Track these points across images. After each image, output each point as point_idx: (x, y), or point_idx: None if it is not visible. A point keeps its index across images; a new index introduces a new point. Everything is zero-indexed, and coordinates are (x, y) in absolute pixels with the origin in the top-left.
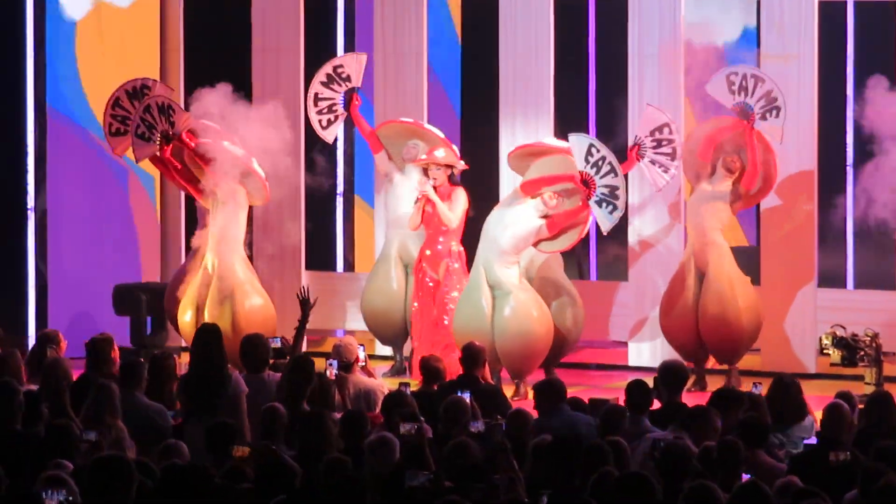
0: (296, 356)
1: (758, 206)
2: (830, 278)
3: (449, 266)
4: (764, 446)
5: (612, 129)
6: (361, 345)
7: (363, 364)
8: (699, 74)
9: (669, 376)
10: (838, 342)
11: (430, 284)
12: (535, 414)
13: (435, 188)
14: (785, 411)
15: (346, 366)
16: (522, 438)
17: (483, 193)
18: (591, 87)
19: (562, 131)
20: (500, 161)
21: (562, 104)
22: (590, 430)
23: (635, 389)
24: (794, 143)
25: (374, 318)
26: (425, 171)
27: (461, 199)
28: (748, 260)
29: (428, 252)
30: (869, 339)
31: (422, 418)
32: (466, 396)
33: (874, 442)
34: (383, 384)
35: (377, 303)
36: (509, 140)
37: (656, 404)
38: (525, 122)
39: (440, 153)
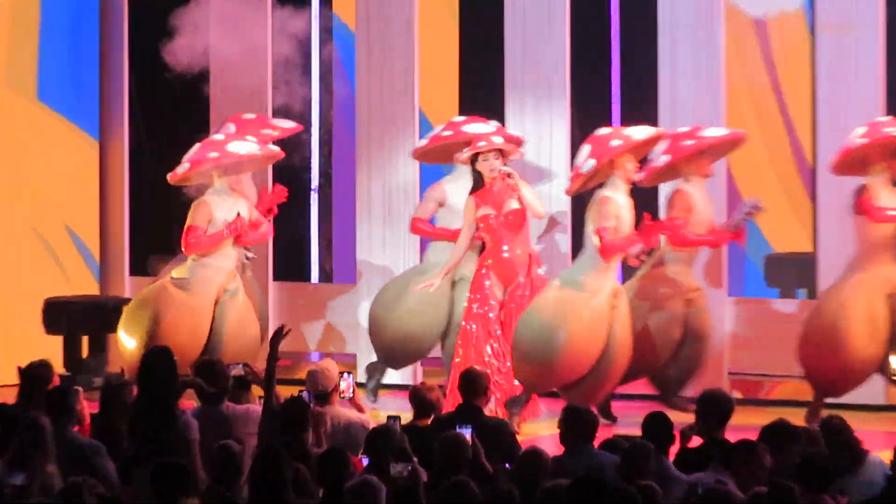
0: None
1: (814, 203)
2: None
3: (534, 274)
4: (829, 490)
5: (638, 116)
6: (348, 372)
7: (350, 395)
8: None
9: (711, 407)
10: None
11: (493, 303)
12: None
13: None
14: (836, 458)
15: (323, 396)
16: (538, 483)
17: None
18: (615, 68)
19: (580, 123)
20: None
21: (579, 86)
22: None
23: (654, 423)
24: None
25: (405, 342)
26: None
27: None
28: (802, 269)
29: (490, 260)
30: None
31: (415, 458)
32: (467, 432)
33: None
34: (370, 419)
35: (414, 325)
36: (518, 131)
37: (694, 441)
38: (537, 111)
39: (496, 139)
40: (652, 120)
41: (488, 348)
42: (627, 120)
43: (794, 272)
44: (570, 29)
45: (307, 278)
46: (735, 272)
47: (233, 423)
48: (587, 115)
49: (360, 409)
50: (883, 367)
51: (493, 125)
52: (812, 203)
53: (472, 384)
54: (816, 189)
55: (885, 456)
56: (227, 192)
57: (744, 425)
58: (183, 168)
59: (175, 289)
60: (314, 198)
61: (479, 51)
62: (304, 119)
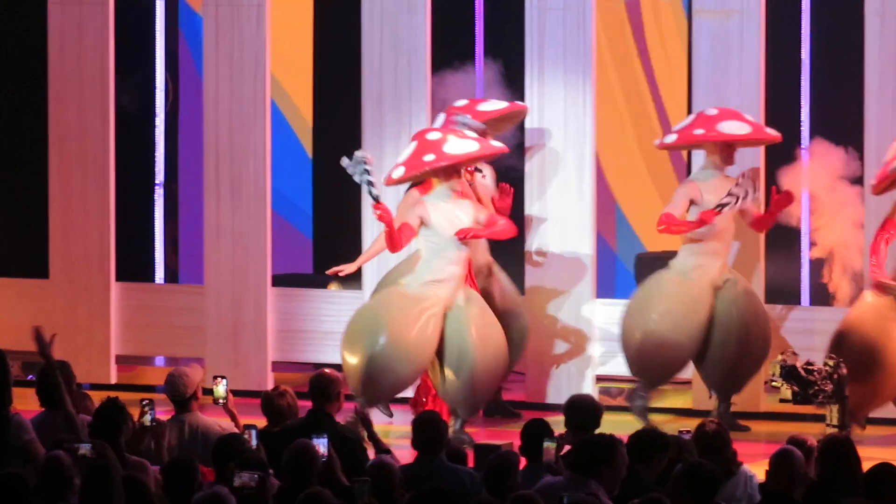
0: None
1: None
2: (782, 293)
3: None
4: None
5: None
6: (223, 377)
7: (224, 401)
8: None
9: (577, 414)
10: (787, 374)
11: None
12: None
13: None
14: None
15: (181, 402)
16: (391, 496)
17: None
18: (479, 54)
19: (443, 107)
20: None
21: (442, 70)
22: (473, 485)
23: (533, 431)
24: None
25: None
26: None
27: None
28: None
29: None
30: (830, 368)
31: (270, 470)
32: (322, 442)
33: (829, 499)
34: (241, 426)
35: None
36: (374, 119)
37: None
38: (396, 97)
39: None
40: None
41: None
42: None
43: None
44: (432, 11)
45: (151, 278)
46: (605, 273)
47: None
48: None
49: (234, 417)
50: None
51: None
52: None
53: (324, 390)
54: None
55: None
56: (447, 195)
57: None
58: (398, 173)
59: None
60: (158, 194)
61: (334, 37)
62: (149, 109)
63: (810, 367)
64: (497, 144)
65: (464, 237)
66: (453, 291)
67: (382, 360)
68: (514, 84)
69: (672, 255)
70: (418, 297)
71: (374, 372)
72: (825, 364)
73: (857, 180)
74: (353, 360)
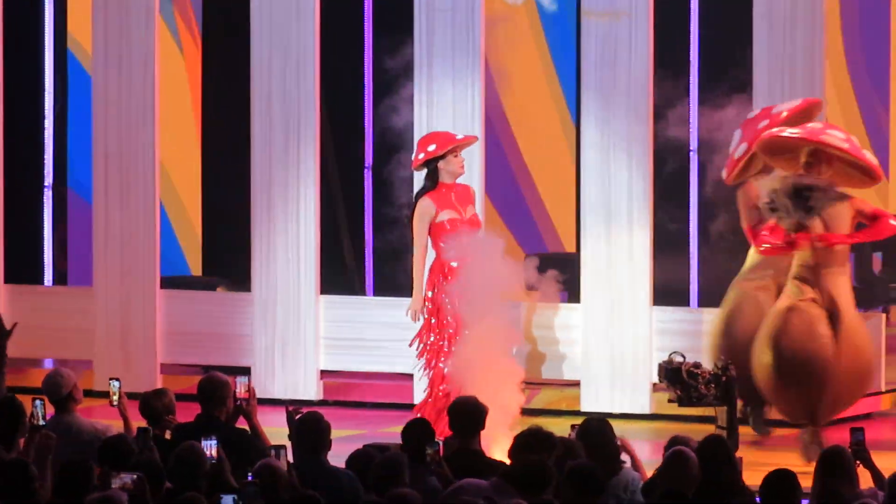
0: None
1: (577, 202)
2: (669, 294)
3: None
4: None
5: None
6: (117, 379)
7: (117, 403)
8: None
9: (461, 416)
10: (670, 376)
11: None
12: None
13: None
14: (598, 461)
15: (59, 402)
16: (278, 497)
17: None
18: (367, 47)
19: (330, 114)
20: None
21: (331, 72)
22: (352, 487)
23: (415, 431)
24: (624, 125)
25: None
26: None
27: None
28: (564, 270)
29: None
30: (718, 370)
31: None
32: (212, 444)
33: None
34: (132, 427)
35: None
36: (264, 125)
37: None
38: (285, 102)
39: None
40: (407, 112)
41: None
42: (382, 118)
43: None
44: (320, 15)
45: (40, 281)
46: None
47: None
48: (340, 101)
49: (126, 419)
50: None
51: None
52: (576, 202)
53: (213, 393)
54: (580, 188)
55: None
56: None
57: None
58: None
59: None
60: (47, 196)
61: (222, 37)
62: (38, 111)
63: (695, 371)
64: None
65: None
66: None
67: None
68: (403, 83)
69: (563, 256)
70: None
71: None
72: (715, 366)
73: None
74: None
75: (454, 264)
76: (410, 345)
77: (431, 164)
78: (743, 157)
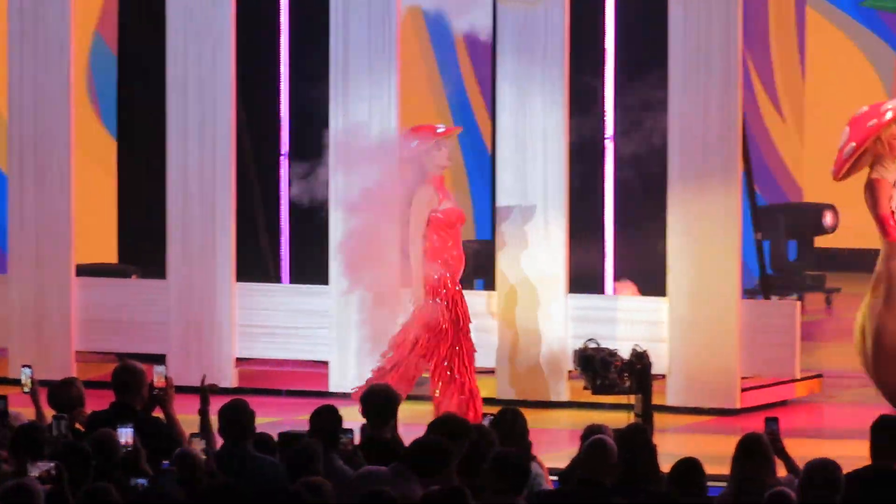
0: None
1: (493, 191)
2: (586, 282)
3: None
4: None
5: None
6: (28, 366)
7: (29, 390)
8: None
9: (372, 404)
10: (583, 363)
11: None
12: None
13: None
14: None
15: None
16: (196, 485)
17: None
18: (284, 34)
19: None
20: None
21: (245, 76)
22: (276, 474)
23: (322, 417)
24: (541, 113)
25: None
26: None
27: None
28: (480, 259)
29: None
30: (632, 359)
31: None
32: (126, 432)
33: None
34: (20, 415)
35: None
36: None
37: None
38: (200, 101)
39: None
40: (322, 104)
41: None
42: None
43: (472, 262)
44: (236, 2)
45: None
46: None
47: None
48: (256, 88)
49: (38, 406)
50: None
51: None
52: (492, 190)
53: (128, 382)
54: (496, 176)
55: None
56: None
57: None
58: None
59: None
60: None
61: (138, 23)
62: None
63: (609, 359)
64: None
65: None
66: None
67: None
68: (319, 81)
69: (480, 243)
70: None
71: None
72: (634, 351)
73: (662, 169)
74: None
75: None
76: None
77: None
78: (852, 156)
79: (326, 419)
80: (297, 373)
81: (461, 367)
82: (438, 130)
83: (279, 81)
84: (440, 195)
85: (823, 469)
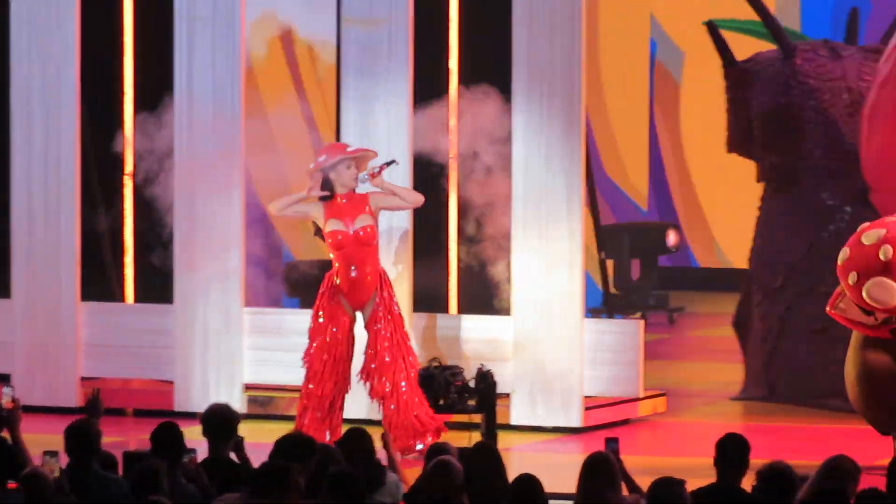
0: None
1: None
2: (430, 300)
3: (385, 294)
4: None
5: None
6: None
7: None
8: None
9: (211, 424)
10: (426, 382)
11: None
12: None
13: None
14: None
15: None
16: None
17: None
18: (127, 53)
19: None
20: None
21: (91, 79)
22: (120, 493)
23: (164, 436)
24: (385, 132)
25: None
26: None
27: None
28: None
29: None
30: (478, 377)
31: None
32: None
33: None
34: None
35: None
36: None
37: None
38: (45, 103)
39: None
40: (168, 118)
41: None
42: (140, 111)
43: (314, 280)
44: (81, 19)
45: None
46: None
47: None
48: (100, 106)
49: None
50: None
51: None
52: None
53: None
54: None
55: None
56: None
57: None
58: None
59: None
60: None
61: None
62: None
63: (450, 378)
64: None
65: None
66: None
67: None
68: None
69: (322, 262)
70: None
71: None
72: (476, 374)
73: (507, 189)
74: None
75: (353, 275)
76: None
77: (325, 174)
78: None
79: (168, 437)
80: (142, 392)
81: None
82: (348, 149)
83: (123, 103)
84: (325, 214)
85: (668, 487)
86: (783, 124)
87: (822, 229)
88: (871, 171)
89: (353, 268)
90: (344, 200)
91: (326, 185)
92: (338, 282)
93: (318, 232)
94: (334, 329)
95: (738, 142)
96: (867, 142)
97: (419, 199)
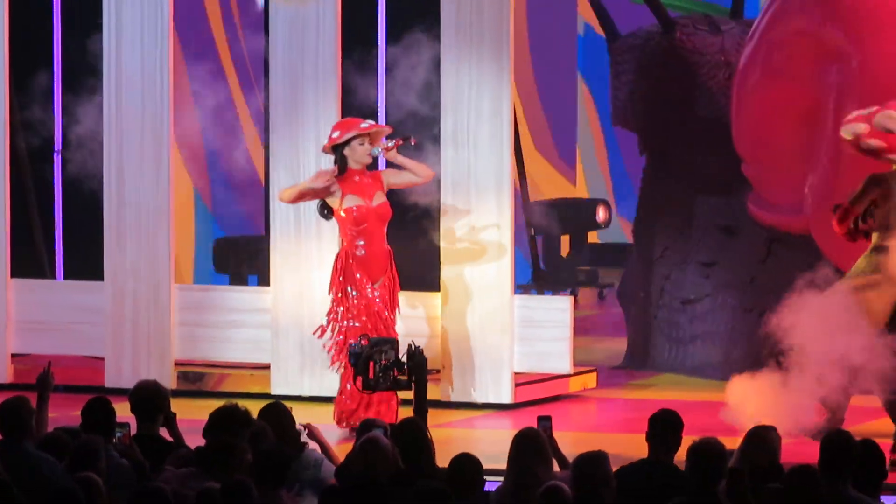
0: None
1: (267, 184)
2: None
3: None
4: (284, 484)
5: (78, 87)
6: None
7: None
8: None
9: (140, 401)
10: (354, 359)
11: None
12: None
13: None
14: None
15: None
16: None
17: None
18: (56, 30)
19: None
20: None
21: (19, 46)
22: (53, 473)
23: (96, 411)
24: (311, 107)
25: None
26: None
27: None
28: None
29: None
30: (407, 353)
31: None
32: None
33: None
34: None
35: None
36: None
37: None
38: None
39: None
40: (96, 94)
41: None
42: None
43: (246, 257)
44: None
45: None
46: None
47: None
48: (30, 83)
49: None
50: None
51: None
52: (265, 184)
53: None
54: (268, 173)
55: None
56: None
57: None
58: None
59: None
60: None
61: None
62: None
63: (376, 356)
64: None
65: None
66: None
67: None
68: (94, 66)
69: (250, 238)
70: None
71: None
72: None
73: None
74: None
75: (360, 252)
76: (315, 333)
77: (338, 151)
78: None
79: (99, 413)
80: (73, 369)
81: None
82: (362, 125)
83: (53, 76)
84: (343, 190)
85: (592, 461)
86: (663, 97)
87: (701, 202)
88: (741, 143)
89: (369, 242)
90: (358, 178)
91: (342, 161)
92: (361, 254)
93: (325, 209)
94: (355, 294)
95: (621, 115)
96: (737, 115)
97: (430, 173)
